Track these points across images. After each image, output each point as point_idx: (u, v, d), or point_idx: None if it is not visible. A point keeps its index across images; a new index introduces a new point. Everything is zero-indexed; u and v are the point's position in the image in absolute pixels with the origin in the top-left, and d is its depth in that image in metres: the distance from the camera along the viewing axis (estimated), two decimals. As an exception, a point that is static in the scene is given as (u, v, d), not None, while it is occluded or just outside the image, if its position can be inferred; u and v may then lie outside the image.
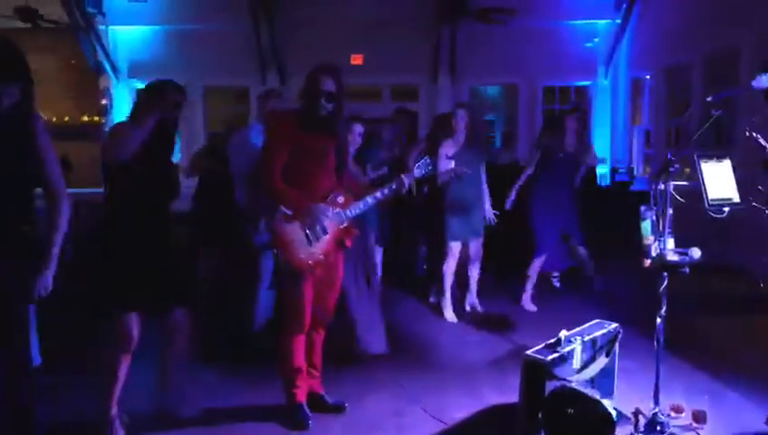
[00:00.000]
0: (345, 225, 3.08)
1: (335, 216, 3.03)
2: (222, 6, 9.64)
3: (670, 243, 2.63)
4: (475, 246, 4.91)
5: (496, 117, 11.43)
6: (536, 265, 5.11)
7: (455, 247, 4.82)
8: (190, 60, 9.99)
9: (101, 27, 9.85)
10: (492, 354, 4.09)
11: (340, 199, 3.07)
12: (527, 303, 5.15)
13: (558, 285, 5.81)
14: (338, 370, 3.65)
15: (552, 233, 5.08)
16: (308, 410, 3.10)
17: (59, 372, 3.41)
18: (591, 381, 3.11)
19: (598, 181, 8.69)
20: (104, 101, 10.06)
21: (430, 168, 3.38)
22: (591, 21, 10.35)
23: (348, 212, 3.08)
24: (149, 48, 10.20)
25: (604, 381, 3.14)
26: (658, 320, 2.67)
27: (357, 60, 10.29)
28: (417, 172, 3.30)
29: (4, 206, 2.29)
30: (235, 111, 11.01)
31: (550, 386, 2.68)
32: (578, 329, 3.06)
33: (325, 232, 2.98)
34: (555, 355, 2.71)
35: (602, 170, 10.04)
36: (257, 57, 10.11)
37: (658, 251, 2.61)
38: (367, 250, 4.12)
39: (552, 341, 2.84)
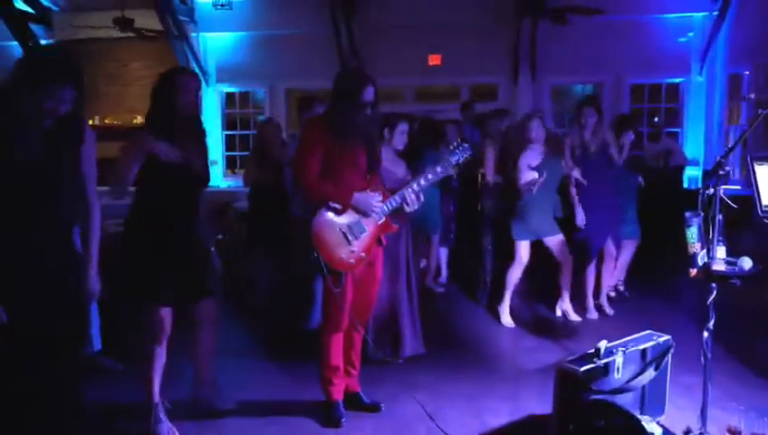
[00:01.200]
0: (383, 221, 3.08)
1: (378, 208, 3.04)
2: (303, 11, 9.88)
3: (720, 252, 2.44)
4: (557, 248, 4.71)
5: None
6: (590, 273, 4.88)
7: (522, 249, 4.67)
8: (273, 64, 10.32)
9: (193, 34, 10.38)
10: (541, 362, 3.96)
11: (378, 198, 3.07)
12: (590, 310, 4.95)
13: (624, 289, 5.51)
14: (380, 369, 3.66)
15: (601, 239, 4.83)
16: (343, 409, 3.13)
17: (117, 357, 3.66)
18: (641, 396, 2.95)
19: (685, 184, 8.19)
20: (194, 105, 10.56)
21: (469, 153, 3.28)
22: (686, 14, 9.73)
23: (385, 207, 3.07)
24: (236, 53, 10.62)
25: (655, 396, 2.97)
26: (705, 334, 2.48)
27: (435, 60, 10.26)
28: (453, 159, 3.22)
29: (57, 208, 2.36)
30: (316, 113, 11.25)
31: (584, 398, 2.56)
32: (623, 340, 2.90)
33: (364, 230, 3.00)
34: (591, 366, 2.59)
35: (694, 173, 9.46)
36: (338, 60, 10.27)
37: (705, 260, 2.42)
38: (410, 248, 4.08)
39: (591, 351, 2.71)
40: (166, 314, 2.88)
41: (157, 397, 2.95)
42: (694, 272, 2.45)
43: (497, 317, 4.83)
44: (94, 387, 3.06)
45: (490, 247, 5.34)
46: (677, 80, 10.11)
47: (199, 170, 2.97)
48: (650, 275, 5.69)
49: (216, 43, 10.69)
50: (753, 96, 2.43)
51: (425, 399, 3.37)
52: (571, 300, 4.93)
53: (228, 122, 10.95)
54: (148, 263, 2.84)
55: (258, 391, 3.52)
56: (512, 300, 4.83)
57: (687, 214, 2.42)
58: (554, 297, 5.03)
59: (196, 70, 10.33)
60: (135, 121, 9.95)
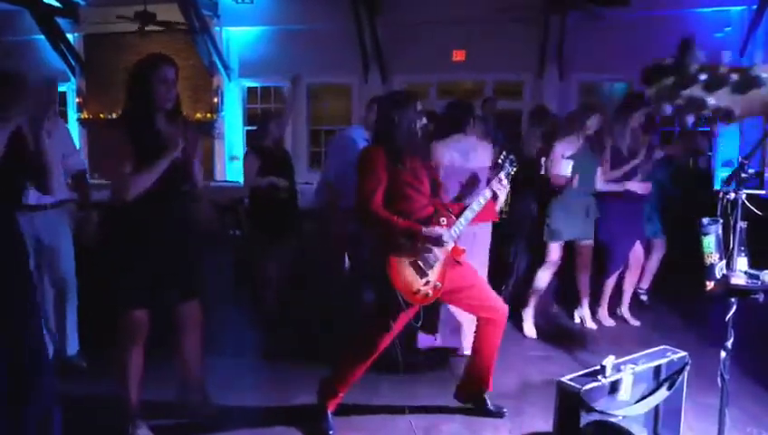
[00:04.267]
0: (452, 246, 2.91)
1: (447, 237, 2.85)
2: (326, 7, 9.77)
3: (742, 263, 2.20)
4: (585, 252, 4.49)
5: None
6: (611, 281, 4.62)
7: (553, 250, 4.43)
8: (295, 59, 10.18)
9: (216, 29, 10.34)
10: (549, 374, 3.73)
11: (444, 221, 2.91)
12: (604, 318, 4.70)
13: (646, 299, 5.21)
14: (378, 376, 3.48)
15: (629, 245, 4.56)
16: (332, 421, 2.98)
17: (95, 360, 3.55)
18: (654, 417, 2.73)
19: (715, 186, 7.82)
20: (216, 100, 10.55)
21: (515, 165, 3.11)
22: (722, 8, 9.32)
23: (453, 232, 2.90)
24: (258, 48, 10.56)
25: (669, 417, 2.74)
26: (723, 353, 2.24)
27: (459, 56, 10.04)
28: (504, 173, 3.04)
29: None
30: (337, 108, 11.15)
31: (586, 418, 2.35)
32: (634, 355, 2.68)
33: (436, 259, 2.86)
34: (594, 385, 2.37)
35: (726, 174, 9.04)
36: (360, 56, 10.14)
37: (723, 273, 2.18)
38: None
39: (596, 368, 2.50)
40: (141, 316, 2.75)
41: (134, 402, 2.83)
42: (710, 285, 2.21)
43: (515, 321, 4.62)
44: (71, 389, 2.96)
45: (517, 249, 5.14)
46: (713, 77, 9.69)
47: (184, 167, 2.82)
48: (674, 282, 5.39)
49: (239, 38, 10.66)
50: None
51: (421, 413, 3.19)
52: (590, 307, 4.69)
53: (250, 117, 10.90)
54: (123, 262, 2.72)
55: (248, 396, 3.40)
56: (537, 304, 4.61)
57: (704, 221, 2.19)
58: (573, 302, 4.80)
59: (218, 64, 10.34)
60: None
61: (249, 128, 10.87)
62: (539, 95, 9.93)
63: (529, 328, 4.54)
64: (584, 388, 2.34)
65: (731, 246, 2.19)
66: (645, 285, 5.12)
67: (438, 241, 2.75)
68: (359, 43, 9.96)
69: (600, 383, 2.38)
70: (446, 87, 10.36)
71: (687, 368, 2.68)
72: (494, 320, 3.04)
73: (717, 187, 7.96)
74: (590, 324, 4.61)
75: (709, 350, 4.07)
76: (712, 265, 2.19)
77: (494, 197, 2.99)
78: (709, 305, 5.56)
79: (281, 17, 10.27)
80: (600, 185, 4.43)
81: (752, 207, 2.17)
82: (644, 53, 8.37)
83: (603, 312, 4.69)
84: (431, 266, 2.83)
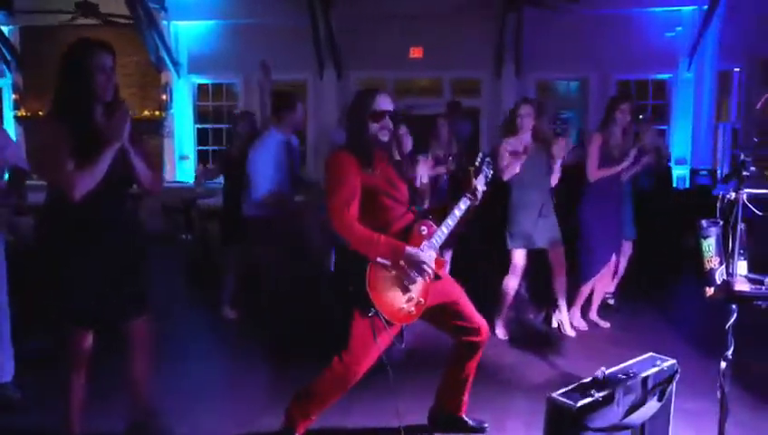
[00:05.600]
0: (435, 256, 2.67)
1: (428, 251, 2.62)
2: (280, 0, 9.47)
3: (741, 267, 2.08)
4: (555, 255, 4.33)
5: (572, 114, 10.64)
6: (589, 286, 4.50)
7: (517, 256, 4.28)
8: (247, 54, 9.84)
9: (163, 22, 9.89)
10: (529, 381, 3.61)
11: (424, 230, 2.67)
12: (577, 321, 4.60)
13: (613, 302, 5.11)
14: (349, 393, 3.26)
15: (609, 253, 4.47)
16: None
17: (32, 389, 3.21)
18: (641, 431, 2.59)
19: (674, 184, 7.89)
20: (164, 97, 10.09)
21: (491, 167, 2.91)
22: (674, 8, 9.46)
23: (434, 242, 2.66)
24: (208, 43, 10.17)
25: (657, 430, 2.61)
26: (723, 364, 2.11)
27: (416, 53, 9.89)
28: (482, 176, 2.83)
29: None
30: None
31: (580, 437, 2.18)
32: (624, 365, 2.53)
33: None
34: (588, 400, 2.21)
35: (681, 172, 9.19)
36: (314, 51, 9.87)
37: (724, 278, 2.05)
38: None
39: (587, 380, 2.34)
40: (84, 337, 2.45)
41: (76, 433, 2.52)
42: (710, 291, 2.08)
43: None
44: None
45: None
46: (665, 76, 9.85)
47: (129, 166, 2.52)
48: (642, 282, 5.36)
49: (188, 32, 10.23)
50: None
51: (395, 424, 2.97)
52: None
53: (200, 115, 10.47)
54: (62, 277, 2.40)
55: (206, 419, 3.12)
56: (508, 310, 4.46)
57: (704, 222, 2.06)
58: (549, 306, 4.70)
59: (166, 60, 9.89)
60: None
61: (200, 126, 10.45)
62: (497, 93, 9.89)
63: (501, 333, 4.41)
64: (578, 404, 2.17)
65: (730, 249, 2.05)
66: (611, 288, 5.01)
67: (422, 264, 2.53)
68: (313, 39, 9.68)
69: (593, 398, 2.22)
70: (403, 84, 10.19)
71: (677, 376, 2.55)
72: (476, 344, 2.84)
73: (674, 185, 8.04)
74: (569, 331, 4.49)
75: (685, 350, 4.06)
76: (712, 270, 2.06)
77: (474, 201, 2.78)
78: (678, 303, 5.59)
79: (231, 11, 9.90)
80: (591, 178, 4.32)
81: (753, 208, 2.04)
82: (598, 51, 8.45)
83: (577, 315, 4.57)
84: (413, 281, 2.59)
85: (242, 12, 9.85)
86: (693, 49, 9.40)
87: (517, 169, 4.10)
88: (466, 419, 3.02)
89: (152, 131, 10.05)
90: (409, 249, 2.53)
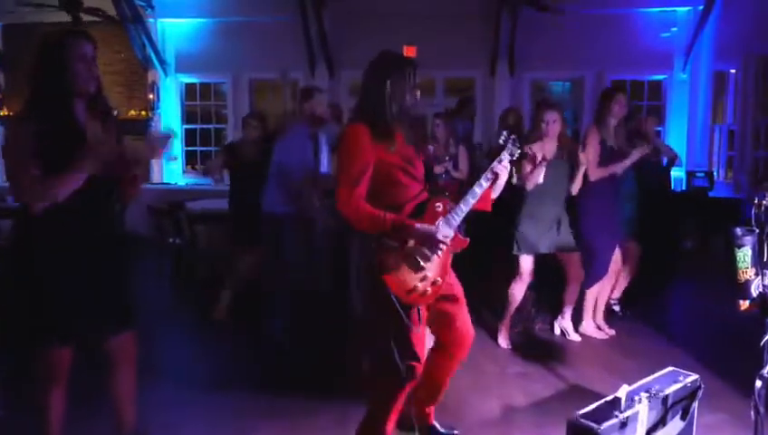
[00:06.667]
0: (453, 235, 2.47)
1: (444, 227, 2.42)
2: (270, -3, 9.29)
3: (777, 278, 1.92)
4: (568, 262, 4.17)
5: (566, 114, 10.55)
6: (595, 290, 4.35)
7: (524, 262, 4.11)
8: (238, 53, 9.70)
9: (150, 20, 9.66)
10: (533, 394, 3.43)
11: (439, 207, 2.48)
12: (591, 330, 4.44)
13: (618, 309, 4.94)
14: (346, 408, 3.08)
15: (611, 249, 4.33)
16: None
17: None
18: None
19: (673, 186, 7.78)
20: (151, 96, 9.86)
21: (518, 146, 2.65)
22: (669, 8, 9.37)
23: (451, 219, 2.46)
24: (197, 41, 9.95)
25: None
26: (759, 383, 1.96)
27: (410, 52, 9.66)
28: (507, 153, 2.58)
29: None
30: (282, 104, 10.63)
31: (603, 462, 2.02)
32: (644, 381, 2.38)
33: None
34: (613, 422, 2.05)
35: (677, 174, 9.09)
36: (306, 50, 9.68)
37: (761, 290, 1.90)
38: None
39: (610, 398, 2.18)
40: (63, 354, 2.25)
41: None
42: (745, 305, 1.93)
43: (491, 333, 4.31)
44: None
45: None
46: (660, 76, 9.75)
47: (115, 166, 2.32)
48: (644, 286, 5.22)
49: (176, 30, 10.00)
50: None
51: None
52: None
53: (188, 115, 10.25)
54: (38, 290, 2.20)
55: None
56: (512, 318, 4.31)
57: (738, 231, 1.91)
58: (553, 313, 4.55)
59: (153, 58, 9.66)
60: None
61: (188, 126, 10.23)
62: (490, 93, 9.76)
63: (504, 342, 4.25)
64: (602, 427, 2.01)
65: (766, 258, 1.90)
66: (617, 294, 4.86)
67: (434, 239, 2.34)
68: (304, 37, 9.49)
69: (618, 420, 2.06)
70: (397, 84, 10.01)
71: (700, 393, 2.40)
72: (456, 356, 2.67)
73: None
74: (574, 337, 4.34)
75: (695, 356, 3.92)
76: (747, 282, 1.90)
77: (496, 179, 2.56)
78: (681, 309, 5.45)
79: (221, 9, 9.69)
80: (592, 176, 4.16)
81: (790, 215, 1.89)
82: (593, 51, 8.32)
83: (589, 324, 4.41)
84: (428, 259, 2.38)
85: (231, 10, 9.65)
86: (688, 49, 9.32)
87: (541, 179, 3.87)
88: (437, 425, 2.87)
89: (139, 132, 9.81)
90: (419, 225, 2.35)
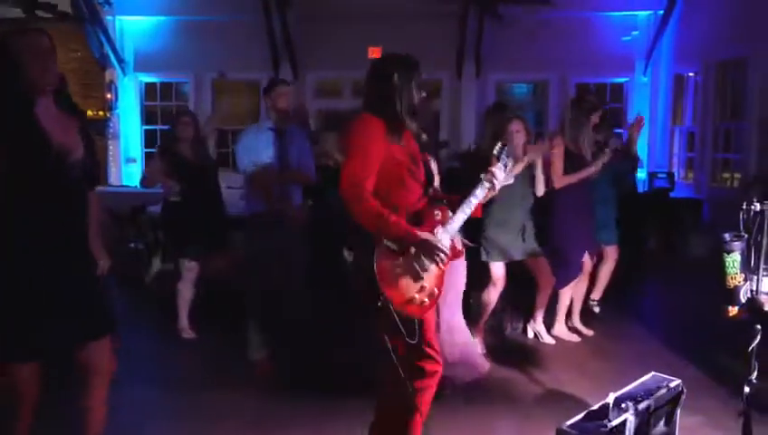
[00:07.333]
0: (450, 244, 2.39)
1: (444, 237, 2.34)
2: (233, -4, 9.11)
3: (766, 284, 1.91)
4: (536, 268, 4.15)
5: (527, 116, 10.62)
6: (567, 292, 4.35)
7: (496, 269, 4.08)
8: (200, 52, 9.46)
9: (108, 18, 9.36)
10: (515, 398, 3.41)
11: (438, 215, 2.40)
12: (563, 333, 4.44)
13: (598, 310, 4.95)
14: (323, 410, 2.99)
15: (581, 251, 4.34)
16: None
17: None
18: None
19: (638, 188, 7.89)
20: (109, 96, 9.54)
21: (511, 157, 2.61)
22: (630, 12, 9.53)
23: (449, 229, 2.38)
24: (156, 40, 9.68)
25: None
26: (747, 389, 1.95)
27: (375, 53, 9.61)
28: (501, 165, 2.51)
29: None
30: (245, 106, 10.44)
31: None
32: (629, 388, 2.35)
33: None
34: (602, 432, 2.01)
35: (639, 175, 9.25)
36: (269, 50, 9.53)
37: (749, 296, 1.89)
38: None
39: (596, 407, 2.14)
40: (28, 371, 2.10)
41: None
42: (734, 311, 1.91)
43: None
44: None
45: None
46: (622, 79, 9.92)
47: (82, 166, 2.19)
48: (612, 287, 5.26)
49: (135, 28, 9.72)
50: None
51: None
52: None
53: (149, 116, 9.96)
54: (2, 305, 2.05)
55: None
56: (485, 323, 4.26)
57: (727, 236, 1.88)
58: (525, 317, 4.54)
59: (111, 57, 9.36)
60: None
61: (148, 127, 9.95)
62: (457, 94, 9.78)
63: (478, 346, 4.19)
64: (593, 437, 1.97)
65: (752, 263, 1.89)
66: (596, 295, 4.89)
67: (435, 249, 2.25)
68: (268, 37, 9.33)
69: (606, 430, 2.02)
70: (362, 85, 9.89)
71: (683, 398, 2.38)
72: (431, 386, 2.47)
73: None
74: (548, 340, 4.33)
75: (666, 358, 3.95)
76: (737, 288, 1.88)
77: (492, 189, 2.50)
78: (651, 309, 5.50)
79: (181, 7, 9.45)
80: (557, 185, 4.17)
81: (778, 221, 1.88)
82: (557, 54, 8.38)
83: (562, 327, 4.42)
84: (426, 269, 2.29)
85: (192, 8, 9.42)
86: (649, 53, 9.51)
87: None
88: None
89: (96, 132, 9.50)
90: (422, 233, 2.26)
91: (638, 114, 5.31)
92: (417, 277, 2.27)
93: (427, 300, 2.32)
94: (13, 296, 2.06)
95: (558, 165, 4.16)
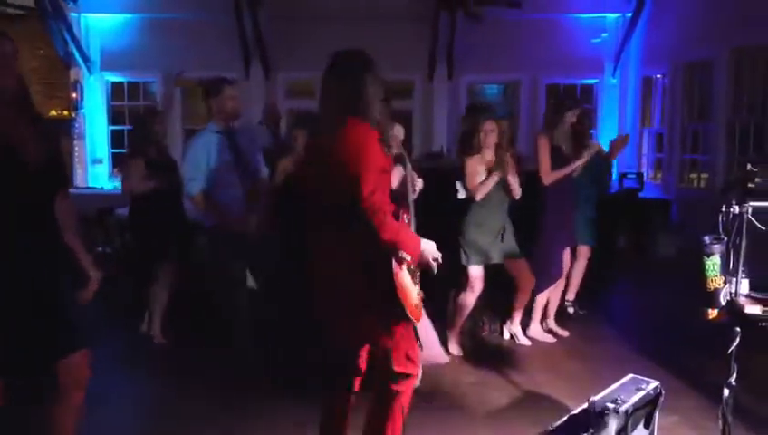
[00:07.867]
0: None
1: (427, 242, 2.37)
2: (203, -6, 8.95)
3: (744, 286, 1.92)
4: (516, 270, 4.13)
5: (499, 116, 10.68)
6: (546, 293, 4.36)
7: (475, 272, 4.05)
8: (168, 51, 9.26)
9: (72, 15, 9.12)
10: (490, 403, 3.38)
11: (407, 219, 2.45)
12: (539, 334, 4.44)
13: (572, 311, 4.99)
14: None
15: (562, 253, 4.35)
16: None
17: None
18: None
19: (611, 188, 7.98)
20: (74, 95, 9.30)
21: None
22: (599, 14, 9.66)
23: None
24: (123, 38, 9.47)
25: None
26: (726, 392, 1.95)
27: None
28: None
29: None
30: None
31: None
32: (608, 391, 2.35)
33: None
34: (584, 437, 2.00)
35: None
36: (240, 50, 9.40)
37: (729, 298, 1.89)
38: None
39: (577, 411, 2.13)
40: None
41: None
42: (713, 313, 1.91)
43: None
44: None
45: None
46: (591, 81, 10.04)
47: (46, 168, 2.11)
48: (585, 286, 5.30)
49: (101, 26, 9.49)
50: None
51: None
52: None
53: (116, 116, 9.74)
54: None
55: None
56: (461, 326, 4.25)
57: (707, 239, 1.89)
58: (502, 319, 4.53)
59: (76, 55, 9.12)
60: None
61: (115, 127, 9.73)
62: (429, 96, 9.77)
63: (454, 348, 4.18)
64: (576, 443, 1.96)
65: (731, 266, 1.89)
66: (571, 296, 4.91)
67: (432, 256, 2.27)
68: (239, 37, 9.20)
69: (590, 434, 2.01)
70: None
71: (661, 400, 2.39)
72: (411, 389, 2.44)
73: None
74: (524, 341, 4.34)
75: (646, 360, 3.98)
76: (717, 291, 1.88)
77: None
78: (623, 309, 5.55)
79: (149, 4, 9.27)
80: (546, 181, 4.19)
81: (756, 223, 1.89)
82: (528, 55, 8.43)
83: (537, 327, 4.43)
84: (416, 275, 2.37)
85: (160, 6, 9.25)
86: (618, 55, 9.64)
87: (490, 187, 3.91)
88: None
89: (61, 133, 9.26)
90: (424, 240, 2.28)
91: (626, 134, 5.43)
92: (413, 284, 2.32)
93: (420, 305, 2.38)
94: None
95: (545, 161, 4.17)
